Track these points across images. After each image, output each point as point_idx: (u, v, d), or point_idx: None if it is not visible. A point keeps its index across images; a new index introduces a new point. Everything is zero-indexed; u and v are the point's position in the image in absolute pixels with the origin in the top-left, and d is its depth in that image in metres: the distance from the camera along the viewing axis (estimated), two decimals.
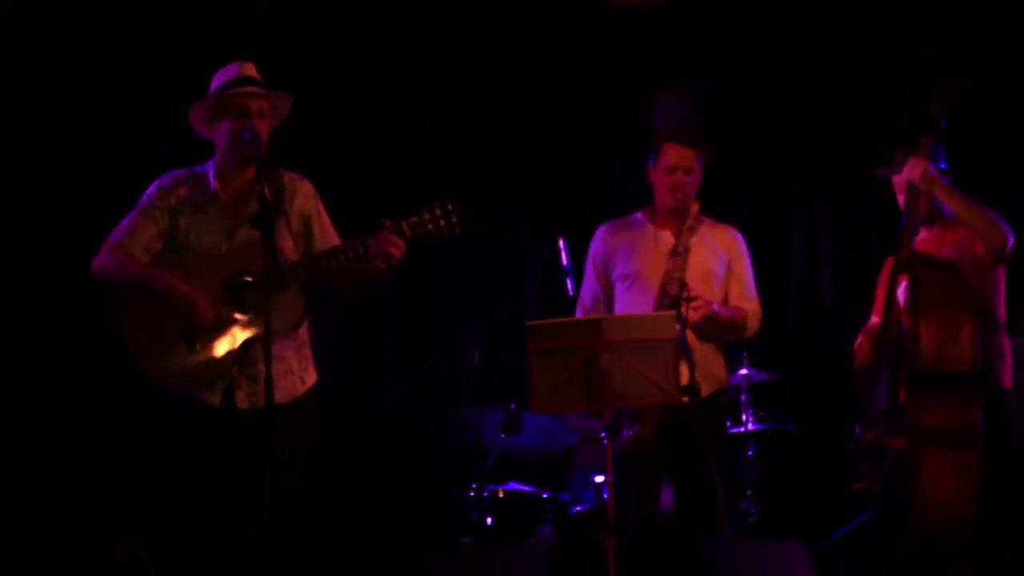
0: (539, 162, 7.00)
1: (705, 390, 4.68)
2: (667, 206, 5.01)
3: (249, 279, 4.31)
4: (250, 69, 4.46)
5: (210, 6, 6.20)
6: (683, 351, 4.48)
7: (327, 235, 4.50)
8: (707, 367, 4.87)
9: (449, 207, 4.32)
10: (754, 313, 5.04)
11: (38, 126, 6.02)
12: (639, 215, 5.13)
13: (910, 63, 4.85)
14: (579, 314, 5.12)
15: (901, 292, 4.65)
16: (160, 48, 6.13)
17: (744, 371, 6.21)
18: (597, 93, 6.82)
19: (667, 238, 5.00)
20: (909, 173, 4.69)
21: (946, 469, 4.41)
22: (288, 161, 4.50)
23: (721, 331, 4.96)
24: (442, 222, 4.31)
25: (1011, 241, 4.62)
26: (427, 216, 4.31)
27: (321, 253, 4.36)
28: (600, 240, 5.13)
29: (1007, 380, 4.75)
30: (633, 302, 4.95)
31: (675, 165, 4.95)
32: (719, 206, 5.26)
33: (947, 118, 4.70)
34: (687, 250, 4.90)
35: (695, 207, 4.95)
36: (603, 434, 4.44)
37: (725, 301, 5.01)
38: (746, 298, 5.04)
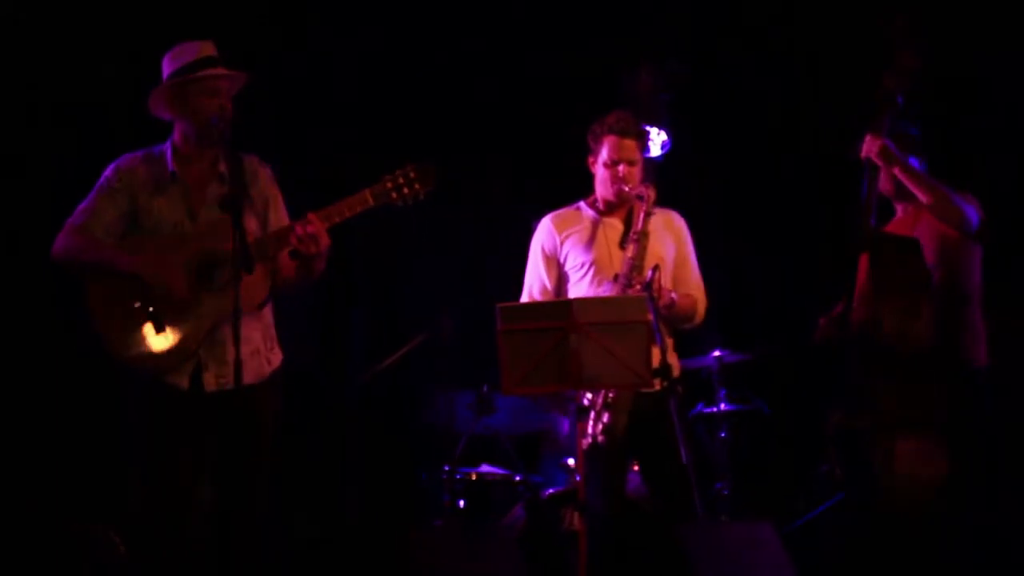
0: (512, 143, 6.97)
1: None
2: (611, 199, 4.96)
3: (215, 259, 4.28)
4: (210, 48, 4.43)
5: None
6: (654, 334, 4.46)
7: (281, 221, 4.48)
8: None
9: (412, 174, 4.29)
10: (703, 301, 5.01)
11: (30, 118, 6.01)
12: (583, 204, 5.07)
13: (872, 42, 4.82)
14: None
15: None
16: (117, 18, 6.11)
17: (716, 352, 6.21)
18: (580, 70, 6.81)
19: (616, 226, 4.95)
20: (866, 149, 4.69)
21: (910, 449, 4.39)
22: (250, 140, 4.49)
23: (675, 320, 4.91)
24: (405, 189, 4.29)
25: (972, 220, 4.61)
26: (390, 184, 4.29)
27: (279, 230, 4.34)
28: (548, 231, 5.04)
29: (980, 357, 4.72)
30: (588, 291, 4.90)
31: (617, 158, 4.89)
32: (686, 189, 5.23)
33: (907, 96, 4.69)
34: (647, 235, 4.82)
35: (653, 193, 4.87)
36: (563, 418, 4.43)
37: (673, 287, 4.95)
38: (694, 285, 5.01)
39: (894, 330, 4.46)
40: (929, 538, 4.40)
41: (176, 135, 4.48)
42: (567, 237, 5.01)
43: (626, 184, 4.88)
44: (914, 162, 4.79)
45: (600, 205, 5.02)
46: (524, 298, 5.06)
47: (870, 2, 5.92)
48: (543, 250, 5.04)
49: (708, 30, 6.74)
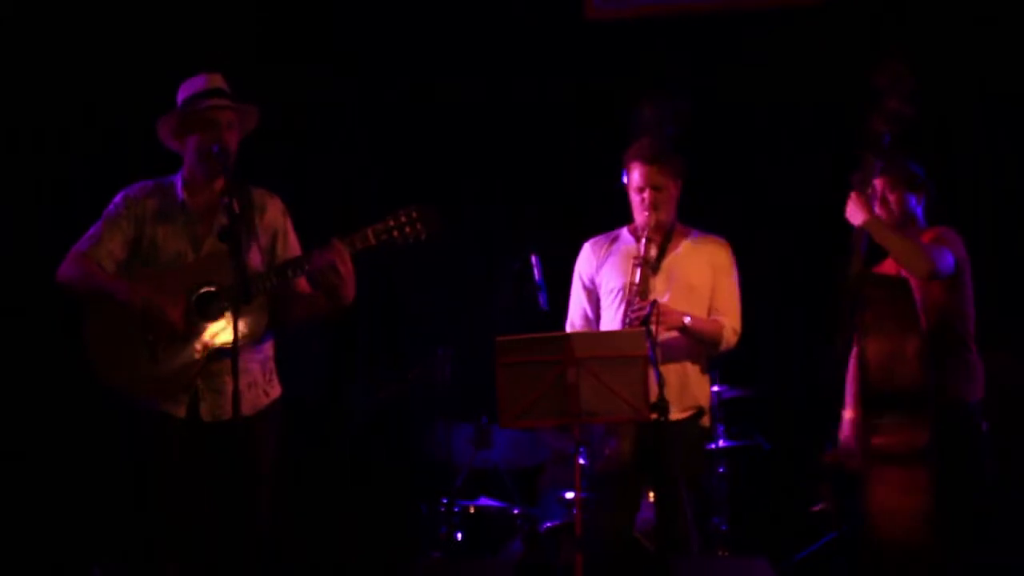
0: (513, 177, 6.98)
1: (683, 412, 4.76)
2: (642, 224, 4.99)
3: (213, 290, 4.30)
4: (218, 80, 4.46)
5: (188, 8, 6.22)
6: (652, 368, 4.47)
7: (289, 253, 4.50)
8: (688, 389, 4.88)
9: (414, 215, 4.30)
10: (731, 327, 4.98)
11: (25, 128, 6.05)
12: (624, 231, 5.12)
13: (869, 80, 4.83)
14: None
15: None
16: (133, 48, 6.14)
17: (716, 388, 6.21)
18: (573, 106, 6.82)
19: (652, 252, 4.96)
20: (848, 213, 4.72)
21: (897, 489, 4.38)
22: (257, 168, 4.51)
23: (698, 344, 4.91)
24: (407, 229, 4.29)
25: (945, 267, 4.59)
26: (392, 223, 4.29)
27: (285, 262, 4.35)
28: (585, 257, 5.11)
29: (972, 395, 4.70)
30: (618, 317, 4.90)
31: (642, 184, 4.94)
32: (695, 222, 5.21)
33: (894, 137, 4.70)
34: (658, 267, 4.88)
35: (674, 225, 4.94)
36: (572, 450, 4.45)
37: (708, 315, 4.98)
38: (723, 311, 4.98)
39: (880, 370, 4.46)
40: (918, 572, 4.38)
41: (185, 166, 4.51)
42: (603, 263, 5.06)
43: (654, 210, 4.92)
44: (911, 199, 4.81)
45: (639, 231, 5.04)
46: (567, 328, 5.08)
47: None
48: (581, 278, 5.11)
49: (709, 64, 6.75)
